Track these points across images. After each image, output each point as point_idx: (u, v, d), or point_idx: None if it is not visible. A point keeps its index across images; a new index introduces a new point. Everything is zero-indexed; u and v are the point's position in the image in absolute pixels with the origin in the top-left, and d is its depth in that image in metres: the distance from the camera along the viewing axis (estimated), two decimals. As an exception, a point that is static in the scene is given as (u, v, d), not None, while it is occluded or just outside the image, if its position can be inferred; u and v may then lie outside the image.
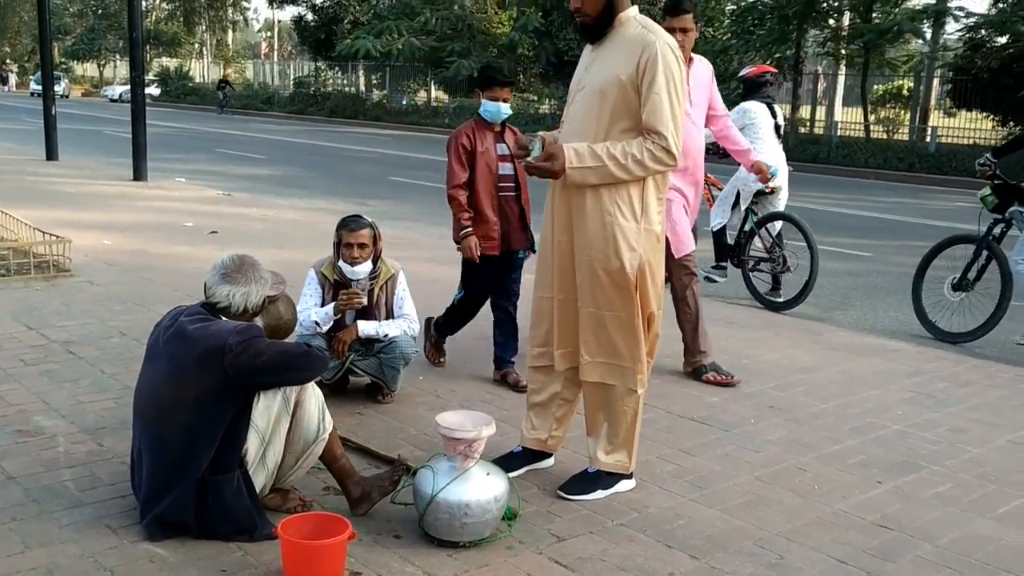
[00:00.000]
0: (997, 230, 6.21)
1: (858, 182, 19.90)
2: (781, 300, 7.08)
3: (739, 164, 6.30)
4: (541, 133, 3.49)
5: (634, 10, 3.32)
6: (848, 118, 27.82)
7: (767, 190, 6.93)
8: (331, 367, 4.23)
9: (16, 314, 5.67)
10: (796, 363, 5.43)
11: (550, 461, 3.72)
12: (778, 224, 7.18)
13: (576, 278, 3.37)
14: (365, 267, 4.32)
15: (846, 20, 25.52)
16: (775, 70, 8.24)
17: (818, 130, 27.30)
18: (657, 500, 3.47)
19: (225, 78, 46.54)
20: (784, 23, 24.18)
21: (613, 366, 3.37)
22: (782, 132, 7.23)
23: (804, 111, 28.09)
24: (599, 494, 3.45)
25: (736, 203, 7.27)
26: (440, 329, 5.13)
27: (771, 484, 3.66)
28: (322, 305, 4.36)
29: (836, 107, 27.85)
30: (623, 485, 3.51)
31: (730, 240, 7.30)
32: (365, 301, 4.30)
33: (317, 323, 4.29)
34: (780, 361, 5.46)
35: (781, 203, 7.24)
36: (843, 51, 25.89)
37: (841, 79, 27.78)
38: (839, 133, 26.13)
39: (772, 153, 6.91)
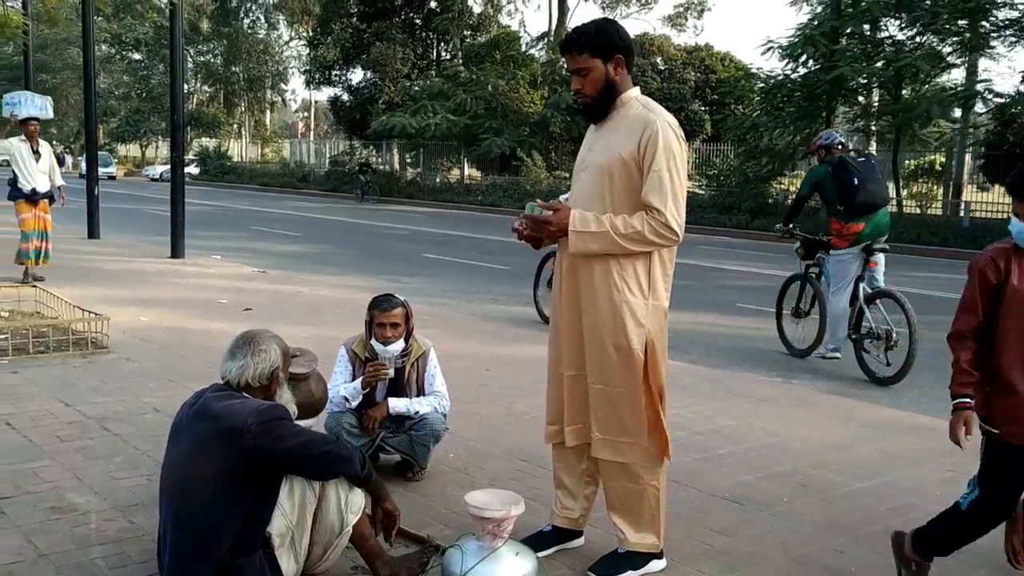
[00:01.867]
0: (812, 272, 8.13)
1: (893, 257, 19.80)
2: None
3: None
4: (538, 200, 3.53)
5: (635, 91, 3.39)
6: (881, 193, 27.75)
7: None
8: (361, 444, 4.23)
9: (54, 390, 5.76)
10: (829, 440, 5.36)
11: (580, 540, 3.68)
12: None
13: (585, 354, 3.38)
14: (397, 346, 4.35)
15: (875, 97, 25.68)
16: None
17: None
18: (689, 582, 3.41)
19: (367, 162, 38.90)
20: (812, 101, 24.38)
21: (623, 443, 3.35)
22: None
23: (836, 187, 28.09)
24: (630, 575, 3.40)
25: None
26: (929, 546, 3.31)
27: (806, 566, 3.59)
28: (352, 381, 4.38)
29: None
30: (654, 565, 3.46)
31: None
32: (392, 373, 4.31)
33: (346, 399, 4.31)
34: (812, 438, 5.39)
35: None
36: (873, 127, 26.00)
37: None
38: (872, 208, 26.06)
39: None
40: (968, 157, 27.40)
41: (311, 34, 48.32)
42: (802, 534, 3.92)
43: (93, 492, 4.07)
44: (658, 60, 38.19)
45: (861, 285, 7.59)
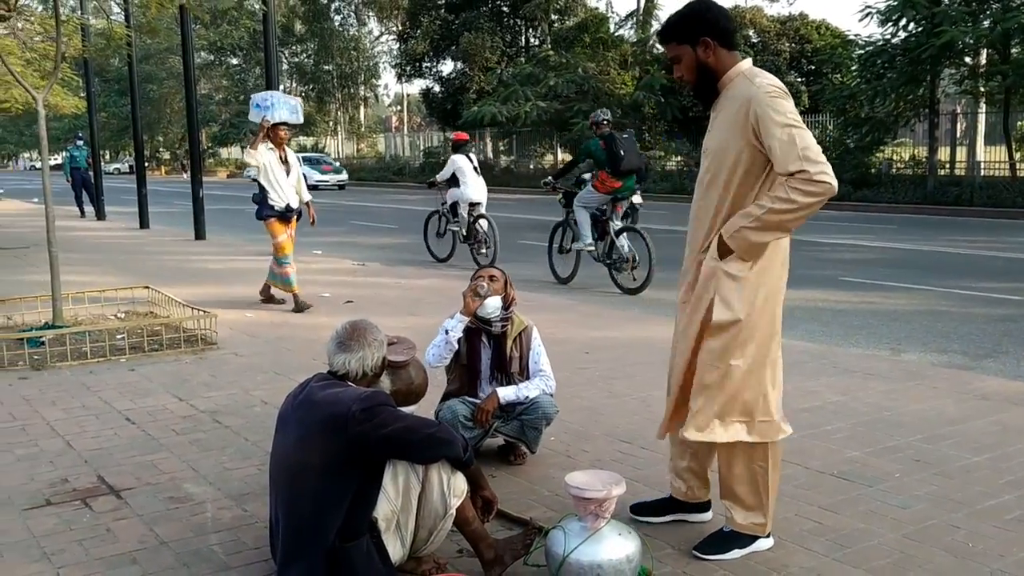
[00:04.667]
0: (572, 218, 10.63)
1: (1006, 223, 19.02)
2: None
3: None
4: None
5: (744, 64, 3.30)
6: (991, 157, 26.67)
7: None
8: (473, 436, 4.26)
9: (168, 386, 5.98)
10: (943, 414, 5.18)
11: (706, 515, 3.70)
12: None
13: (693, 334, 3.35)
14: (495, 301, 4.34)
15: (983, 58, 24.62)
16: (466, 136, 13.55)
17: (959, 171, 26.26)
18: (797, 559, 3.35)
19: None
20: (915, 65, 23.51)
21: (739, 422, 3.31)
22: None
23: (943, 153, 27.06)
24: (736, 553, 3.36)
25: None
26: None
27: (920, 542, 3.49)
28: (459, 353, 4.40)
29: (978, 146, 26.71)
30: (761, 544, 3.41)
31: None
32: (486, 286, 4.28)
33: (447, 331, 4.31)
34: (925, 412, 5.22)
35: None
36: (982, 88, 24.94)
37: (982, 117, 26.67)
38: (983, 173, 25.07)
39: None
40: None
41: (400, 28, 48.87)
42: (915, 510, 3.80)
43: (208, 482, 4.22)
44: (751, 33, 37.34)
45: (611, 224, 10.19)
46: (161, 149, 66.61)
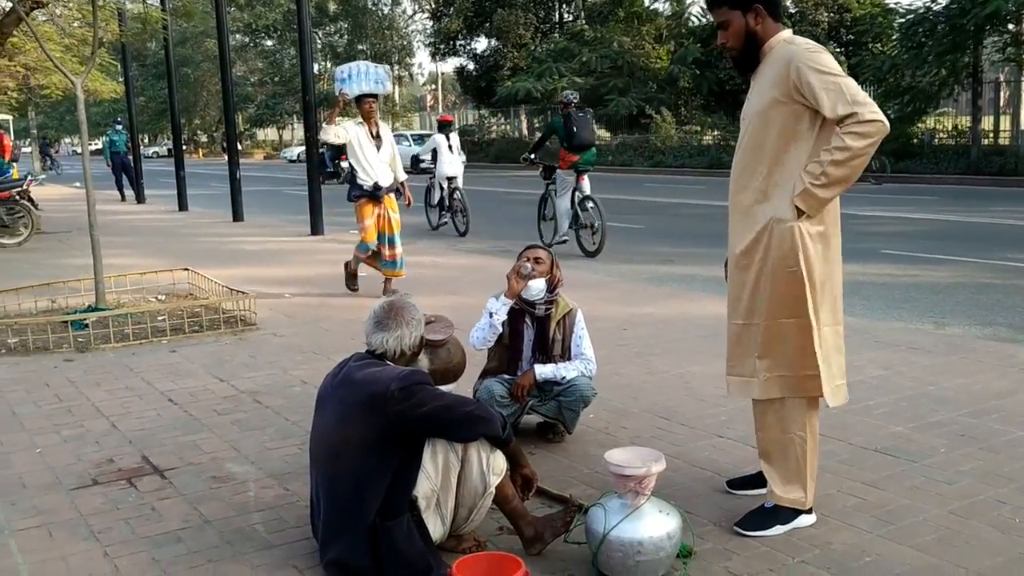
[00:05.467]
0: (551, 189, 11.69)
1: (1051, 192, 18.62)
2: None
3: None
4: None
5: (786, 33, 3.29)
6: (1036, 125, 26.14)
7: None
8: (510, 413, 4.25)
9: (208, 367, 6.04)
10: (989, 388, 5.10)
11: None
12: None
13: (746, 295, 3.33)
14: (540, 283, 4.32)
15: (1027, 24, 24.07)
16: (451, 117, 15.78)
17: (1003, 141, 25.74)
18: (841, 536, 3.32)
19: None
20: (958, 33, 23.01)
21: (782, 378, 3.30)
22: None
23: (986, 122, 26.52)
24: (778, 529, 3.33)
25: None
26: None
27: (967, 518, 3.44)
28: (501, 335, 4.39)
29: (1022, 115, 26.16)
30: (803, 520, 3.38)
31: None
32: (530, 267, 4.24)
33: (491, 313, 4.30)
34: (970, 386, 5.14)
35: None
36: (1025, 56, 24.40)
37: (1026, 85, 26.13)
38: (1027, 142, 24.57)
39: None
40: None
41: (433, 6, 48.69)
42: (960, 485, 3.75)
43: (249, 462, 4.26)
44: (788, 3, 36.77)
45: (576, 194, 11.34)
46: (199, 132, 67.14)
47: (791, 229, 3.19)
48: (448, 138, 14.14)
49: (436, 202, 14.52)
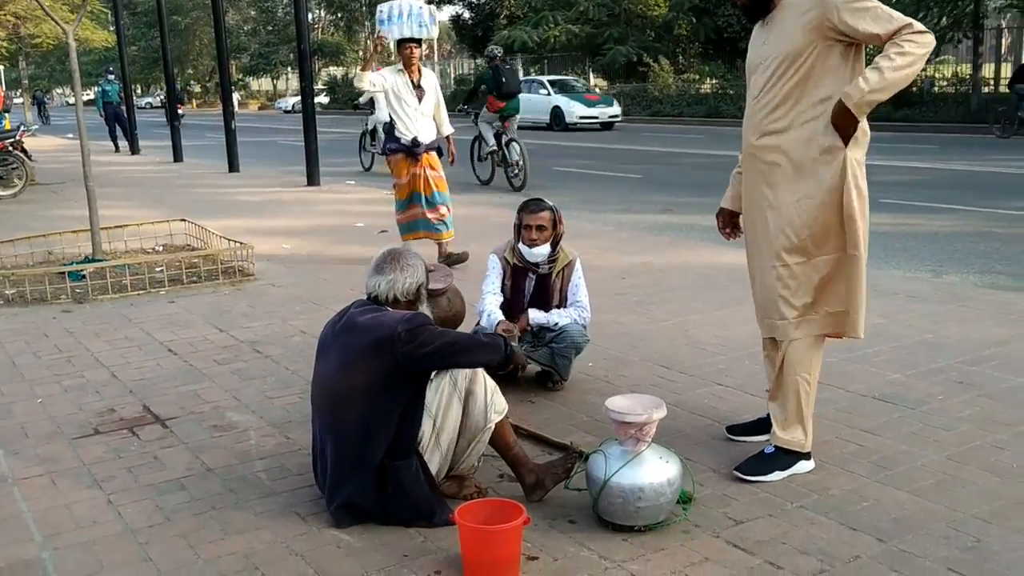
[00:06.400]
0: (480, 129, 13.43)
1: (1051, 141, 18.53)
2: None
3: None
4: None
5: None
6: (1037, 73, 25.87)
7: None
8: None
9: (208, 317, 6.04)
10: (987, 336, 5.11)
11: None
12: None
13: (788, 233, 3.30)
14: (543, 249, 4.33)
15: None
16: None
17: (1004, 89, 25.50)
18: (839, 481, 3.34)
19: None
20: (961, -23, 22.74)
21: (828, 315, 3.32)
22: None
23: (987, 70, 26.29)
24: (777, 475, 3.36)
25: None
26: None
27: (964, 463, 3.46)
28: (502, 289, 4.42)
29: None
30: (802, 466, 3.40)
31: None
32: (517, 335, 4.24)
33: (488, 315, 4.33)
34: (968, 334, 5.15)
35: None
36: (1028, 2, 24.15)
37: (1027, 32, 25.86)
38: (1028, 90, 24.30)
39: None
40: None
41: (429, -47, 47.95)
42: (958, 431, 3.77)
43: (250, 411, 4.27)
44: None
45: (503, 137, 13.01)
46: (192, 82, 66.48)
47: (842, 160, 3.18)
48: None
49: (370, 145, 15.99)
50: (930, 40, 3.05)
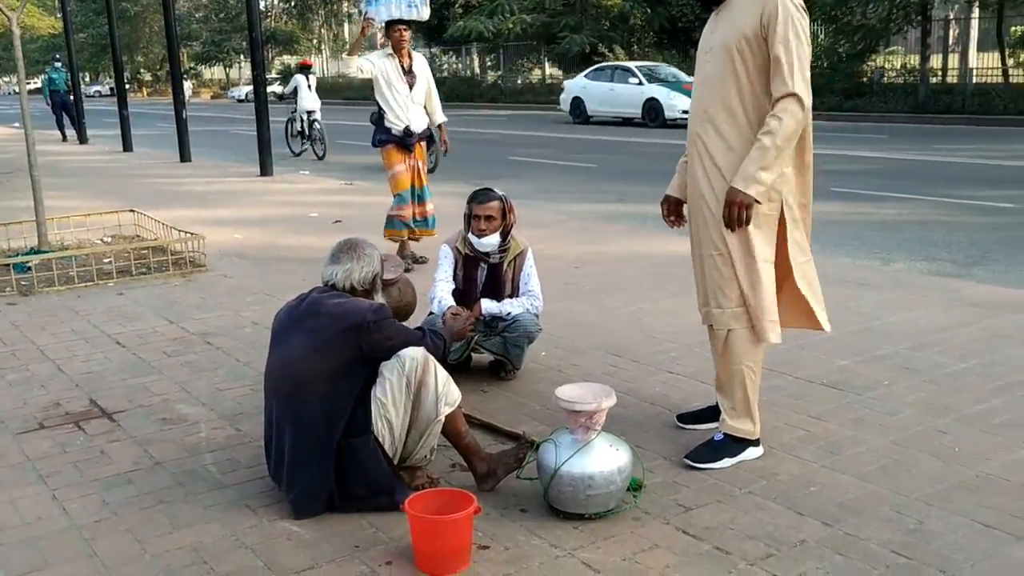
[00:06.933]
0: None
1: (997, 131, 18.90)
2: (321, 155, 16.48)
3: None
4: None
5: None
6: (984, 64, 26.36)
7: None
8: (455, 348, 4.27)
9: (158, 309, 5.96)
10: (932, 322, 5.21)
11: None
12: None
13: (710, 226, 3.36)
14: (492, 239, 4.32)
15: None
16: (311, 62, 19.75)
17: (951, 79, 25.95)
18: (786, 467, 3.39)
19: None
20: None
21: (721, 311, 3.36)
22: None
23: (935, 60, 26.70)
24: (726, 462, 3.39)
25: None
26: None
27: (908, 448, 3.53)
28: (454, 278, 4.41)
29: (970, 53, 26.37)
30: (750, 453, 3.45)
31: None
32: (471, 320, 4.23)
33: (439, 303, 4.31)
34: (915, 321, 5.24)
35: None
36: (977, -7, 24.54)
37: (975, 23, 26.27)
38: (975, 80, 24.77)
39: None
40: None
41: (383, -60, 47.56)
42: (903, 416, 3.84)
43: (201, 403, 4.23)
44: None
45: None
46: (142, 70, 65.36)
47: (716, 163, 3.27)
48: (307, 79, 17.40)
49: (296, 132, 17.55)
50: (806, 110, 3.14)
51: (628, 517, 3.04)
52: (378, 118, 6.98)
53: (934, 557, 2.75)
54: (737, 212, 3.18)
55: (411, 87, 6.88)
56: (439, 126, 7.27)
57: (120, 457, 3.64)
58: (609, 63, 27.70)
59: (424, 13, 6.99)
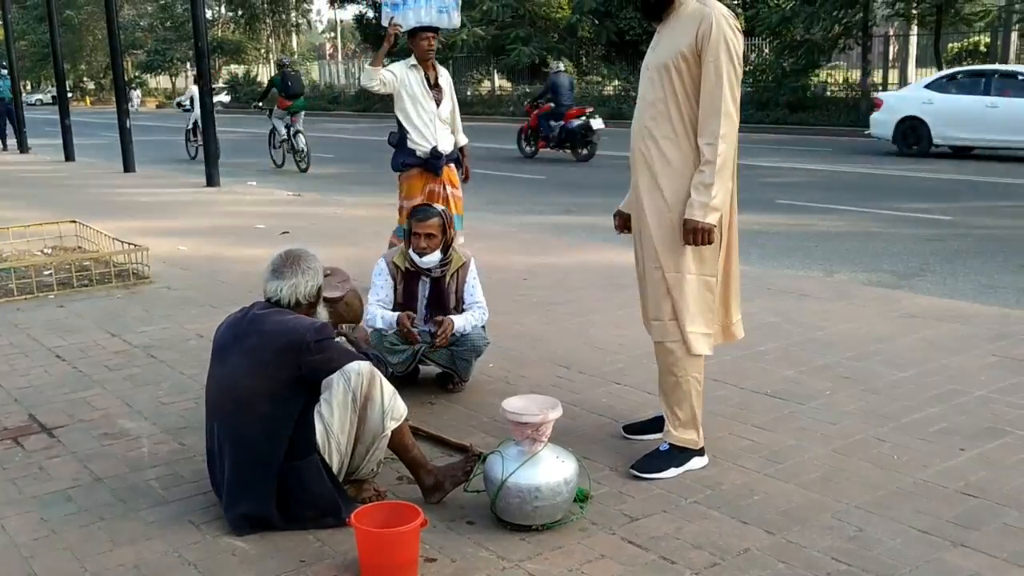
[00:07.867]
0: (274, 123, 16.64)
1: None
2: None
3: None
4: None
5: None
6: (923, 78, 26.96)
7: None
8: (402, 360, 4.27)
9: (99, 322, 5.86)
10: (872, 332, 5.31)
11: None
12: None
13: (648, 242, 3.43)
14: (433, 257, 4.32)
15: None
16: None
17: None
18: (731, 476, 3.43)
19: None
20: (850, -14, 23.51)
21: (661, 324, 3.41)
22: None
23: (876, 75, 27.27)
24: (672, 472, 3.43)
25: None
26: None
27: (848, 456, 3.59)
28: (393, 293, 4.39)
29: (909, 69, 26.98)
30: (696, 462, 3.49)
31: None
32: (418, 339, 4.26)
33: (382, 330, 4.28)
34: (855, 331, 5.34)
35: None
36: (914, 10, 25.08)
37: (913, 40, 26.89)
38: (914, 95, 25.26)
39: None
40: (1014, 36, 26.42)
41: (332, -50, 47.38)
42: (844, 425, 3.91)
43: (143, 417, 4.16)
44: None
45: (290, 129, 16.04)
46: (85, 79, 64.28)
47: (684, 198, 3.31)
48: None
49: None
50: (735, 127, 3.28)
51: (575, 528, 3.06)
52: (399, 139, 6.03)
53: (874, 563, 2.80)
54: (701, 238, 3.27)
55: (438, 103, 6.00)
56: (461, 148, 6.26)
57: (60, 473, 3.57)
58: (976, 67, 18.97)
59: (456, 20, 6.08)
